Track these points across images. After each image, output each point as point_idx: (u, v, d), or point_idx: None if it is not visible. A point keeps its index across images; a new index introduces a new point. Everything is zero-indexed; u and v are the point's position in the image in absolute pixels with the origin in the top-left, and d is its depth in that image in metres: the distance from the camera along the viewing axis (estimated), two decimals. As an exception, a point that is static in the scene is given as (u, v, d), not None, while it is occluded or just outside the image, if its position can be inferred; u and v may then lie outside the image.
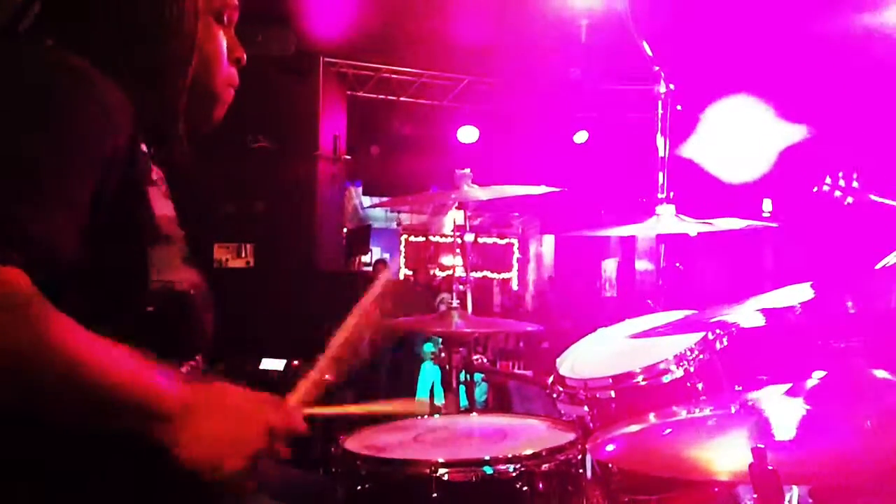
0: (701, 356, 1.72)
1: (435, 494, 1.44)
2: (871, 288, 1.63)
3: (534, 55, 6.20)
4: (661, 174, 2.49)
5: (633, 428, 1.28)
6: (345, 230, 7.23)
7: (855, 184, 2.63)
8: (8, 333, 0.85)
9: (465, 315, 2.33)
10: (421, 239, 12.26)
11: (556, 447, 1.54)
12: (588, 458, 1.63)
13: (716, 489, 1.66)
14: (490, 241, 12.42)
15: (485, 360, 2.37)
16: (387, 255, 10.74)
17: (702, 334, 1.75)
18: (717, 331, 1.75)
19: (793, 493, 1.66)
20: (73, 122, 0.97)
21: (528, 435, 1.73)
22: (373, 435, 1.70)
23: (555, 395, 1.87)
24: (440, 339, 2.38)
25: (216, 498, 1.06)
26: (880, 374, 1.17)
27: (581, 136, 7.58)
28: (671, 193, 2.44)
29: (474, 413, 2.10)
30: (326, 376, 1.25)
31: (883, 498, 1.02)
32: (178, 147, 1.19)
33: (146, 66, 1.12)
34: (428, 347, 5.90)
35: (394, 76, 6.97)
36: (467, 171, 2.32)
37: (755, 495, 0.93)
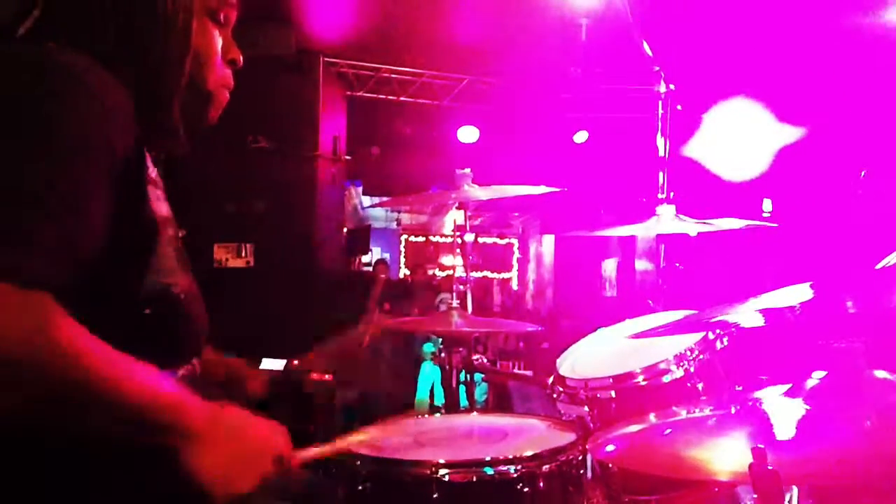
0: (701, 356, 1.72)
1: (436, 495, 1.44)
2: (871, 288, 1.63)
3: (534, 55, 6.19)
4: (661, 174, 2.50)
5: (634, 428, 1.28)
6: (345, 230, 7.22)
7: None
8: (34, 346, 0.85)
9: (465, 315, 2.33)
10: (421, 239, 12.25)
11: (556, 448, 1.54)
12: (588, 458, 1.63)
13: (716, 489, 1.66)
14: (490, 241, 12.40)
15: (485, 360, 2.38)
16: (387, 255, 10.74)
17: (702, 334, 1.75)
18: (717, 331, 1.75)
19: (793, 493, 1.65)
20: (83, 127, 0.96)
21: (529, 435, 1.73)
22: (373, 435, 1.70)
23: (555, 395, 1.87)
24: (440, 339, 2.38)
25: None
26: (880, 374, 1.17)
27: (581, 136, 7.56)
28: (671, 193, 2.44)
29: (474, 413, 2.10)
30: (326, 376, 1.26)
31: (883, 498, 1.02)
32: (176, 145, 1.19)
33: (144, 63, 1.11)
34: (428, 347, 5.89)
35: (394, 76, 6.96)
36: (467, 170, 2.32)
37: (755, 495, 0.94)
